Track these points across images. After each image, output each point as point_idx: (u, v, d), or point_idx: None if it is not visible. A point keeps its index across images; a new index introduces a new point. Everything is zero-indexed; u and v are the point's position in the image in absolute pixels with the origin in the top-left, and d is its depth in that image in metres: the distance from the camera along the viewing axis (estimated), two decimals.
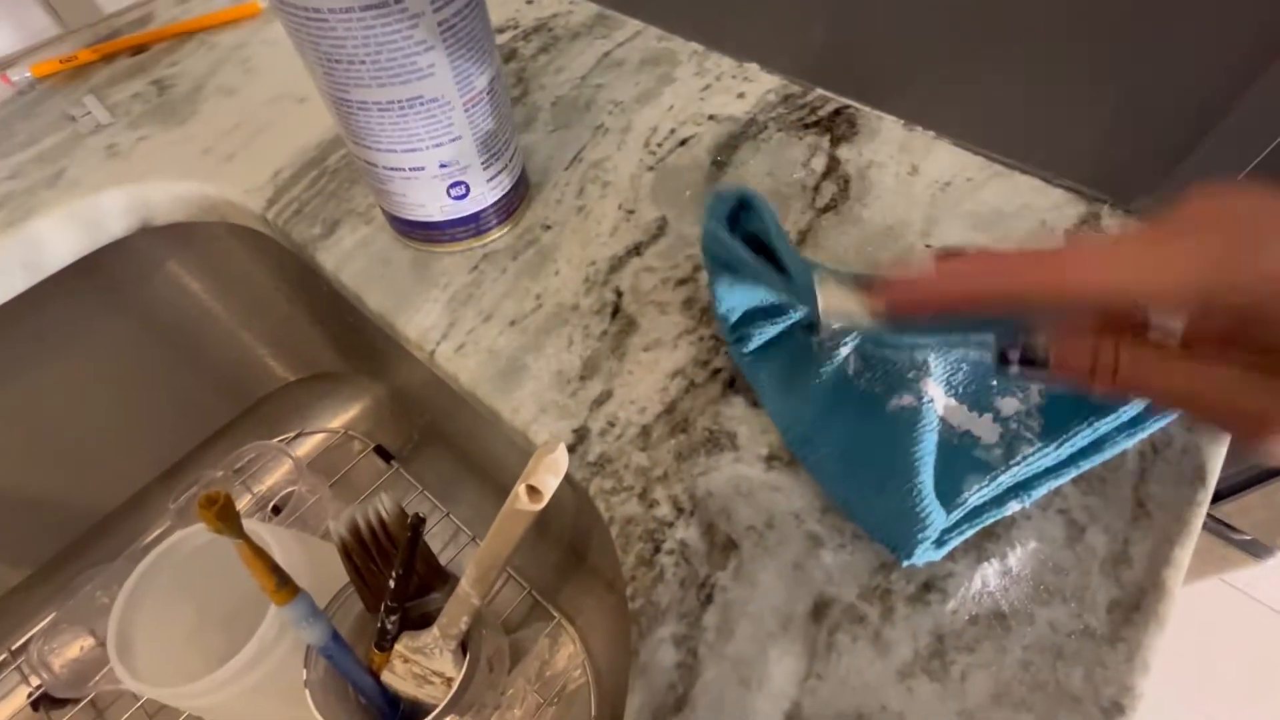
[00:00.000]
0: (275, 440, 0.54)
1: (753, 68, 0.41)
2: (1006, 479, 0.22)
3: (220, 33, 0.47)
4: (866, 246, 0.32)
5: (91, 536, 0.48)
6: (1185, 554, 0.23)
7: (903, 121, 0.37)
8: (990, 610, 0.22)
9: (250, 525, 0.37)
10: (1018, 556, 0.23)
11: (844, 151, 0.36)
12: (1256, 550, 0.46)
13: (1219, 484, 0.47)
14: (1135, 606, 0.22)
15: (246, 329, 0.51)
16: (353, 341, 0.51)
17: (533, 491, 0.25)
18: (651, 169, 0.36)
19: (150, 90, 0.43)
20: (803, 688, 0.21)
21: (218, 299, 0.47)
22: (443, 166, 0.28)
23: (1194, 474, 0.24)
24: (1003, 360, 0.17)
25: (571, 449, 0.26)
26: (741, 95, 0.39)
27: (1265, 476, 0.43)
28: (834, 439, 0.24)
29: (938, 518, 0.21)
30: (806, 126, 0.37)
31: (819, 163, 0.36)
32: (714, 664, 0.22)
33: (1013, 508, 0.23)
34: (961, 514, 0.22)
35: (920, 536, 0.21)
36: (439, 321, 0.31)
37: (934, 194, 0.33)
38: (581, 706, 0.45)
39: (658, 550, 0.24)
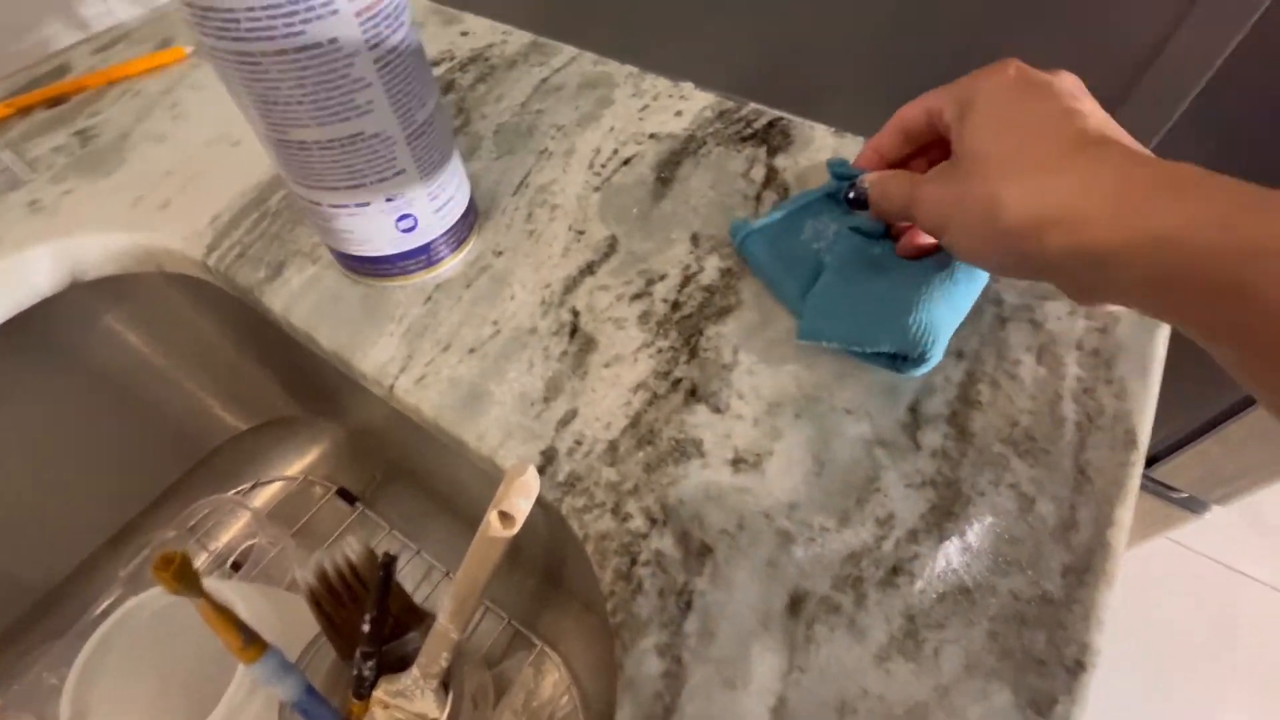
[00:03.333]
0: (230, 493, 0.52)
1: (688, 86, 0.42)
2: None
3: (144, 80, 0.45)
4: None
5: (36, 613, 0.46)
6: (1126, 514, 0.25)
7: (833, 129, 0.39)
8: (955, 586, 0.23)
9: (211, 584, 0.36)
10: (975, 532, 0.24)
11: (780, 160, 0.37)
12: (1194, 506, 0.49)
13: (1154, 448, 0.50)
14: (1086, 568, 0.23)
15: (192, 379, 0.49)
16: (305, 384, 0.50)
17: (505, 517, 0.25)
18: (598, 189, 0.37)
19: (73, 142, 0.42)
20: (786, 681, 0.22)
21: (159, 351, 0.46)
22: (388, 200, 0.28)
23: (1125, 438, 0.26)
24: (846, 199, 0.29)
25: (540, 470, 0.27)
26: (679, 113, 0.41)
27: (1195, 435, 0.46)
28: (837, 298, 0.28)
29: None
30: (744, 139, 0.39)
31: (758, 173, 0.37)
32: (699, 668, 0.22)
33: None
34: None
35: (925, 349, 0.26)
36: (396, 354, 0.30)
37: None
38: None
39: (634, 563, 0.24)
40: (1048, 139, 0.21)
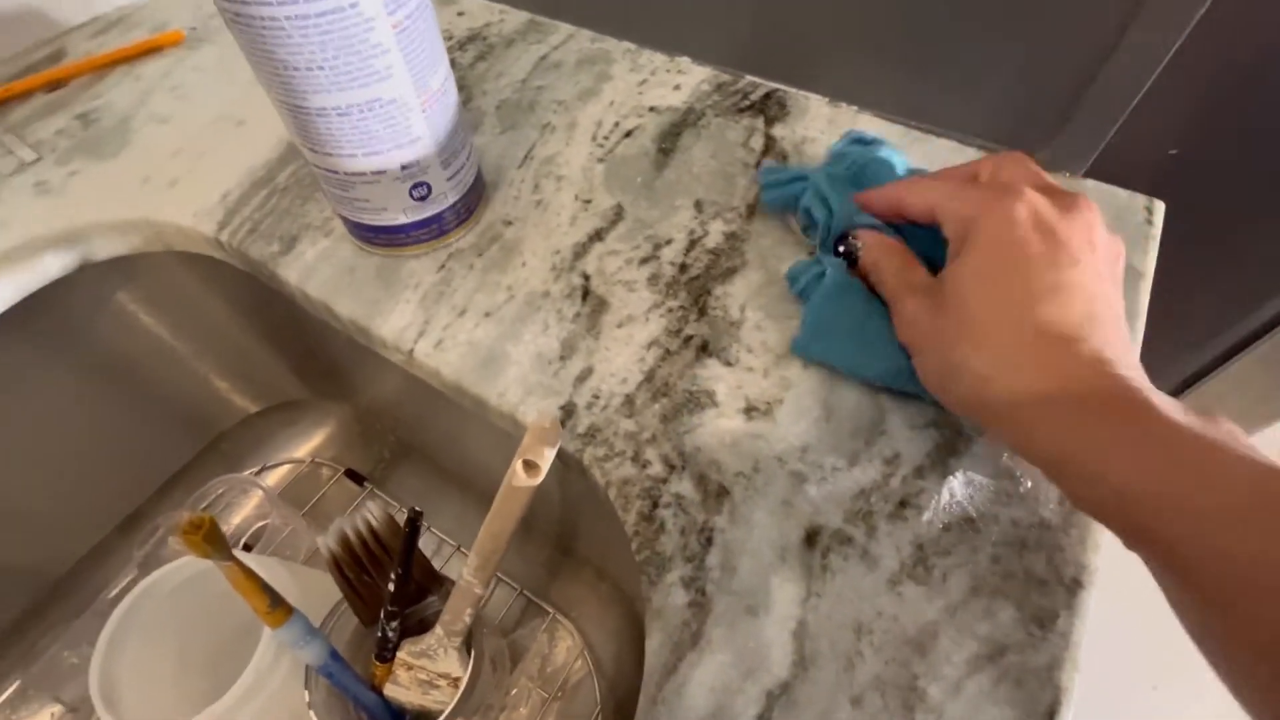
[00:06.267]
0: (242, 474, 0.53)
1: (684, 61, 0.43)
2: None
3: (143, 63, 0.46)
4: None
5: (52, 597, 0.46)
6: None
7: (827, 99, 0.40)
8: (960, 516, 0.24)
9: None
10: (977, 467, 0.26)
11: (778, 130, 0.39)
12: None
13: None
14: None
15: (201, 361, 0.49)
16: (313, 366, 0.51)
17: (529, 466, 0.26)
18: (601, 160, 0.38)
19: (75, 125, 0.42)
20: (805, 607, 0.23)
21: (169, 332, 0.46)
22: (404, 169, 0.29)
23: None
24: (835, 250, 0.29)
25: (560, 424, 0.28)
26: (677, 87, 0.42)
27: (1188, 384, 0.48)
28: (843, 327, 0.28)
29: None
30: (741, 111, 0.40)
31: (757, 142, 0.38)
32: (722, 599, 0.23)
33: None
34: None
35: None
36: (413, 320, 0.31)
37: None
38: (586, 696, 0.46)
39: (655, 505, 0.25)
40: (1020, 327, 0.21)
